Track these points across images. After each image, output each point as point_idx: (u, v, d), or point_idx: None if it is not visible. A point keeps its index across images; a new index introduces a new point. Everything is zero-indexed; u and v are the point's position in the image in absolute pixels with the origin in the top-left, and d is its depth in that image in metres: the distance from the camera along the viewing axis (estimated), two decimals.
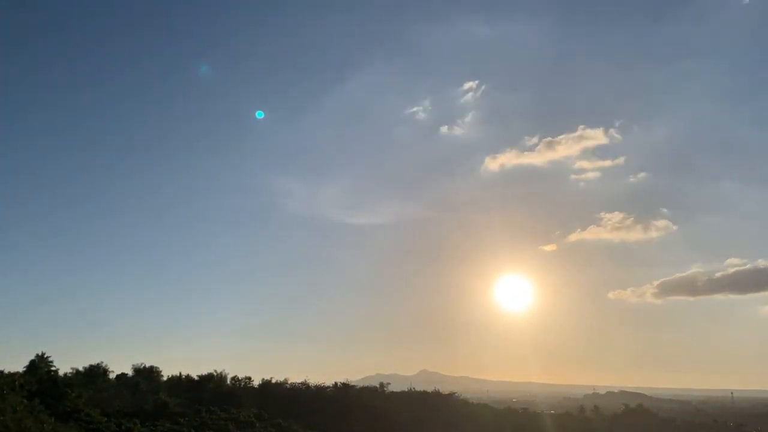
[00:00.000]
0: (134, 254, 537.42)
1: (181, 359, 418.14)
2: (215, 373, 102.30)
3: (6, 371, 46.82)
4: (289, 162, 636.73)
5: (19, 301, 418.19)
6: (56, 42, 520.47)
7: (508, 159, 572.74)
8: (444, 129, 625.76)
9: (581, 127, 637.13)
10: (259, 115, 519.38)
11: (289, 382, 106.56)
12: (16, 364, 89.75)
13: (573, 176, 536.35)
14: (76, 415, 61.03)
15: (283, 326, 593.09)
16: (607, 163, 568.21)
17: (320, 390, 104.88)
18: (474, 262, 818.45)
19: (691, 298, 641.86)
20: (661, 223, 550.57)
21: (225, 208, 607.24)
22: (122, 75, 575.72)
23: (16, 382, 39.83)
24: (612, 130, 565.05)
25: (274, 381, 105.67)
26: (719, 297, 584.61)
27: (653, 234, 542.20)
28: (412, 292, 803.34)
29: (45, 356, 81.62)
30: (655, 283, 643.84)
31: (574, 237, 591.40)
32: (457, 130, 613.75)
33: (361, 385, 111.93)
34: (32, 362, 79.50)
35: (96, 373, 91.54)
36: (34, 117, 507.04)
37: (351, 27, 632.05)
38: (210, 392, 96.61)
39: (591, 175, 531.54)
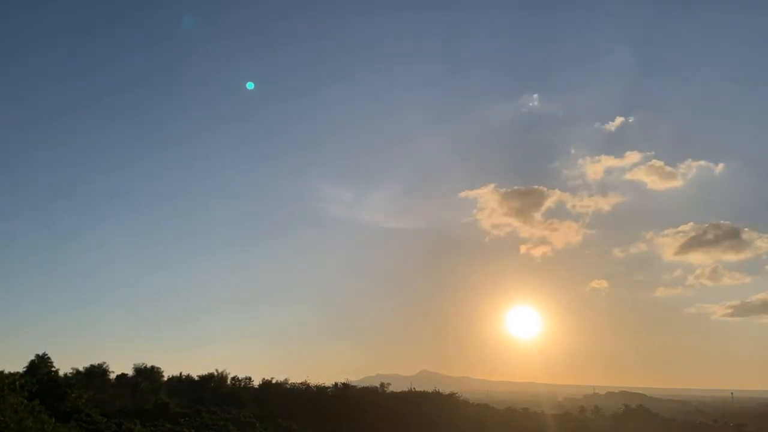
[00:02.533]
0: (136, 254, 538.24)
1: (181, 359, 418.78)
2: (216, 373, 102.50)
3: (6, 371, 46.71)
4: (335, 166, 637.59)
5: (19, 301, 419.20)
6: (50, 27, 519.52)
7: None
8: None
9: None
10: (249, 86, 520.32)
11: (290, 382, 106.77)
12: (16, 364, 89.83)
13: None
14: (77, 416, 60.99)
15: (284, 326, 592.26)
16: None
17: (320, 390, 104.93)
18: (490, 268, 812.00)
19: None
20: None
21: (220, 206, 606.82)
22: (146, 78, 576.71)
23: (17, 383, 39.69)
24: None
25: (274, 381, 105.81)
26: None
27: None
28: (420, 294, 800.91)
29: (45, 356, 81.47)
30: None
31: None
32: None
33: (361, 385, 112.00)
34: (32, 362, 79.30)
35: (96, 373, 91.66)
36: (32, 113, 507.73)
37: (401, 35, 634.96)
38: (210, 392, 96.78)
39: None
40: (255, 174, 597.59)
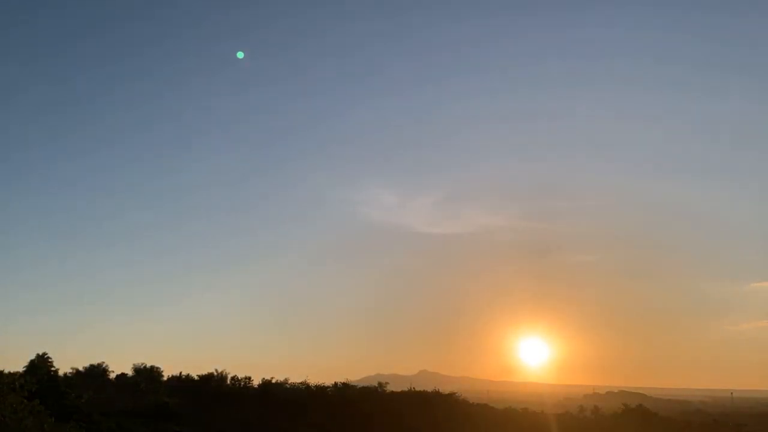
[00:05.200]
0: (137, 254, 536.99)
1: (181, 359, 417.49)
2: (215, 373, 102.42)
3: (6, 371, 46.80)
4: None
5: (19, 301, 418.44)
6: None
7: None
8: None
9: None
10: (240, 55, 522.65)
11: (289, 382, 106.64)
12: (16, 364, 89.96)
13: None
14: (77, 416, 61.04)
15: (285, 326, 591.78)
16: None
17: (320, 390, 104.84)
18: (500, 270, 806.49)
19: None
20: None
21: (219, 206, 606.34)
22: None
23: (16, 382, 39.74)
24: None
25: (274, 381, 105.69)
26: None
27: None
28: (426, 296, 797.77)
29: (45, 356, 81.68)
30: None
31: None
32: None
33: (361, 385, 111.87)
34: (32, 362, 79.54)
35: (96, 373, 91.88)
36: (31, 111, 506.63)
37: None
38: (210, 392, 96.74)
39: None
40: (258, 172, 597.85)
